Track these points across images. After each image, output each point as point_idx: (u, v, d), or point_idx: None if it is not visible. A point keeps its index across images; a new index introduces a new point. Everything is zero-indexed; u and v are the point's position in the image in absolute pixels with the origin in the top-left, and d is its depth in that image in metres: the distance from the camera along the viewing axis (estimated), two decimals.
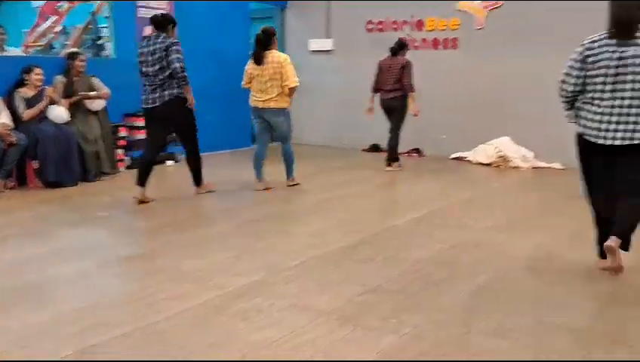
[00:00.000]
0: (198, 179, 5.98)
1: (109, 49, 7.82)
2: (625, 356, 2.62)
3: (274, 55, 5.89)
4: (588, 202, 3.87)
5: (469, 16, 8.31)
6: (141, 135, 7.46)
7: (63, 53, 7.27)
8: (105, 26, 7.93)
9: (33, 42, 8.21)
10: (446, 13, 8.45)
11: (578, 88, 3.68)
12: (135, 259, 3.95)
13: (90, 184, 6.39)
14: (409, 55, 7.69)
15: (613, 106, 3.53)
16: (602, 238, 3.68)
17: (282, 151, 6.21)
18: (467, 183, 6.84)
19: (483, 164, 7.84)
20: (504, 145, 7.81)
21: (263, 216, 5.09)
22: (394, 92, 7.25)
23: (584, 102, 3.71)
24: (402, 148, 8.74)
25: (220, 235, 4.50)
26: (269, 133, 6.19)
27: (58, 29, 8.23)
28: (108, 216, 5.08)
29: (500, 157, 7.76)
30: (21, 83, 6.27)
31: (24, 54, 7.61)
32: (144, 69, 5.43)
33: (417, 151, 8.77)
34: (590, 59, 3.58)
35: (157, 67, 5.35)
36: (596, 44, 3.58)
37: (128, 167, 7.28)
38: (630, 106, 3.49)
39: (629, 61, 3.45)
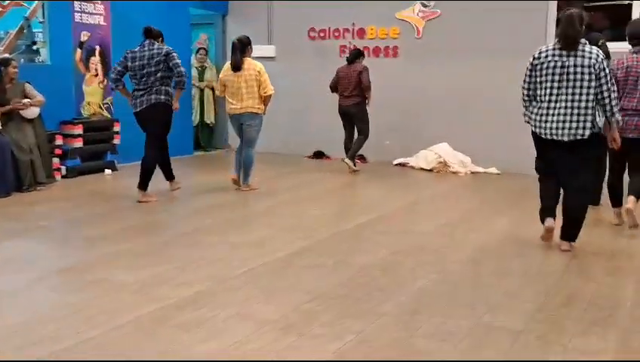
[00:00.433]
0: (169, 175, 6.29)
1: (44, 54, 7.58)
2: (559, 356, 2.72)
3: (250, 63, 6.22)
4: (540, 181, 4.54)
5: (408, 25, 8.48)
6: (78, 143, 7.27)
7: None
8: (39, 30, 7.68)
9: None
10: (386, 22, 8.59)
11: (531, 92, 4.28)
12: (73, 270, 3.82)
13: (25, 194, 6.15)
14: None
15: (557, 108, 4.12)
16: (543, 210, 4.42)
17: (244, 155, 6.41)
18: (410, 188, 6.97)
19: (424, 170, 8.00)
20: (443, 151, 7.99)
21: (209, 224, 5.03)
22: (352, 98, 7.59)
23: (535, 105, 4.28)
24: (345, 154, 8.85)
25: (163, 245, 4.41)
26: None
27: None
28: (46, 226, 4.91)
29: (440, 162, 7.94)
30: None
31: None
32: (138, 73, 5.83)
33: (361, 157, 8.85)
34: (538, 67, 4.18)
35: (153, 71, 5.78)
36: (543, 55, 4.17)
37: (64, 177, 7.06)
38: (572, 108, 4.07)
39: (571, 69, 4.05)
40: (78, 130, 7.31)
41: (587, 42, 4.15)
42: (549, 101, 4.15)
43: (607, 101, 4.06)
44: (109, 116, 7.93)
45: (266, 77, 6.21)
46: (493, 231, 4.93)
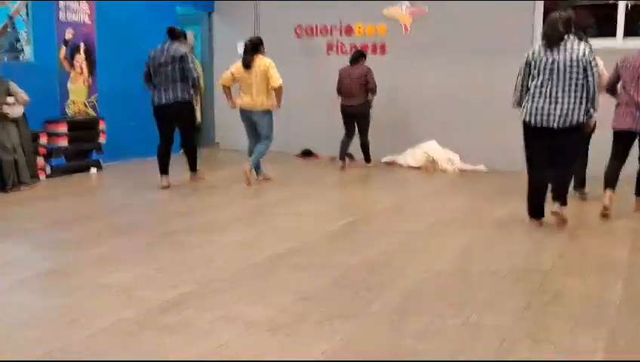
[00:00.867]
0: (193, 167, 6.82)
1: (28, 53, 7.47)
2: (548, 354, 2.70)
3: (260, 59, 6.52)
4: (528, 170, 4.96)
5: (396, 22, 8.45)
6: (63, 142, 7.17)
7: None
8: (24, 29, 7.57)
9: None
10: (374, 20, 8.56)
11: (525, 85, 4.80)
12: (55, 273, 3.75)
13: (9, 194, 6.07)
14: (340, 60, 7.81)
15: (548, 98, 4.64)
16: (531, 209, 4.98)
17: (258, 146, 6.72)
18: (398, 187, 6.95)
19: (413, 167, 7.99)
20: (432, 149, 7.98)
21: (194, 225, 4.97)
22: (357, 98, 7.70)
23: (528, 97, 4.77)
24: (335, 153, 8.81)
25: (146, 246, 4.34)
26: (256, 131, 6.75)
27: None
28: (30, 227, 4.83)
29: (428, 160, 7.92)
30: None
31: None
32: (159, 70, 6.28)
33: (350, 155, 8.82)
34: (532, 64, 4.73)
35: (172, 68, 6.25)
36: (536, 52, 4.72)
37: (49, 176, 6.98)
38: (561, 97, 4.60)
39: (561, 64, 4.58)
40: (63, 128, 7.23)
41: (576, 39, 4.62)
42: (541, 93, 4.67)
43: (590, 91, 4.57)
44: (94, 114, 7.85)
45: (273, 71, 6.43)
46: (481, 228, 4.92)
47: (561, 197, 4.86)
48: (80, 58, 7.69)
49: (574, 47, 4.56)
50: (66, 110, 7.59)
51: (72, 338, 2.79)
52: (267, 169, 7.08)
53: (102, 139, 7.67)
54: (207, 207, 5.65)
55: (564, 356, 2.68)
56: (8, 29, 7.64)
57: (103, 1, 7.88)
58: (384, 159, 8.40)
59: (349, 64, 7.87)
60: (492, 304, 3.28)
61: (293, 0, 8.92)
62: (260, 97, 6.53)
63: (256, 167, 6.83)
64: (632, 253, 4.23)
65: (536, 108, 4.68)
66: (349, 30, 8.78)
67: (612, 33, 7.35)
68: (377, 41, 8.58)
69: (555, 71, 4.60)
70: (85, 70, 7.78)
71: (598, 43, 7.24)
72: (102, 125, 7.69)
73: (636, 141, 5.37)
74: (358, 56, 7.86)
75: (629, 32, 7.21)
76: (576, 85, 4.57)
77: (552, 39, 4.62)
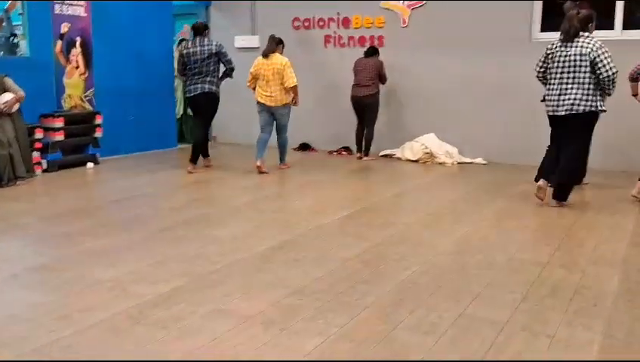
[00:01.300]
0: (206, 153, 7.40)
1: (24, 47, 7.43)
2: (544, 347, 2.68)
3: (278, 57, 6.94)
4: (547, 148, 5.58)
5: (393, 14, 8.39)
6: (59, 136, 7.14)
7: None
8: (19, 23, 7.53)
9: None
10: (372, 11, 8.51)
11: (541, 76, 5.45)
12: (49, 268, 3.72)
13: (5, 189, 6.04)
14: (338, 53, 7.76)
15: (558, 88, 5.18)
16: (540, 171, 5.58)
17: (280, 139, 7.20)
18: (395, 180, 6.91)
19: (411, 161, 7.95)
20: (430, 142, 7.94)
21: (189, 219, 4.94)
22: (368, 88, 7.89)
23: (547, 88, 5.36)
24: (333, 146, 8.79)
25: (141, 241, 4.31)
26: (271, 124, 7.13)
27: None
28: (25, 222, 4.81)
29: (427, 153, 7.88)
30: None
31: None
32: (194, 65, 6.88)
33: (347, 149, 8.79)
34: (550, 56, 5.28)
35: (206, 63, 6.88)
36: (554, 46, 5.26)
37: (45, 171, 6.94)
38: (568, 88, 5.11)
39: (572, 57, 5.08)
40: (59, 123, 7.18)
41: (590, 35, 5.09)
42: (553, 83, 5.22)
43: (604, 83, 5.04)
44: (90, 109, 7.81)
45: (289, 70, 6.85)
46: (478, 221, 4.88)
47: (560, 191, 5.26)
48: (76, 52, 7.64)
49: (585, 42, 5.03)
50: (63, 104, 7.54)
51: (62, 333, 2.76)
52: (267, 161, 7.05)
53: (98, 134, 7.63)
54: (204, 201, 5.62)
55: (560, 349, 2.65)
56: (4, 24, 7.61)
57: None
58: (382, 153, 8.37)
59: (363, 56, 8.03)
60: (488, 296, 3.25)
61: None
62: (276, 93, 6.91)
63: (284, 155, 7.40)
64: (629, 247, 4.19)
65: (551, 98, 5.25)
66: (346, 22, 8.73)
67: (611, 25, 7.29)
68: (375, 33, 8.53)
69: (567, 64, 5.10)
70: (82, 64, 7.73)
71: (596, 35, 7.23)
72: (98, 119, 7.64)
73: None
74: (373, 52, 8.06)
75: (627, 24, 7.15)
76: (584, 77, 5.03)
77: (568, 34, 5.11)
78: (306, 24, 9.02)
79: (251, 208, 5.39)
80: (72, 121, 7.38)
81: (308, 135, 8.94)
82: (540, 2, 7.60)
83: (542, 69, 5.39)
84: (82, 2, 7.62)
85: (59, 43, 7.46)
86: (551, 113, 5.27)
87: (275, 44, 7.02)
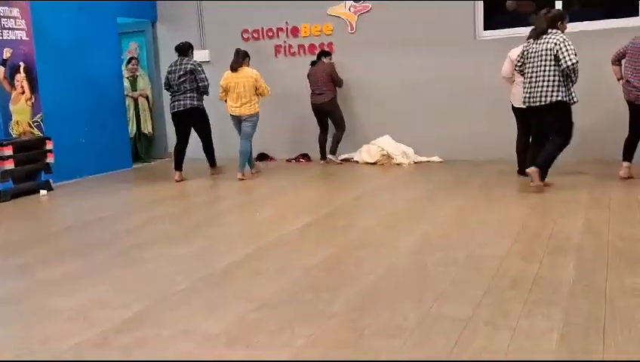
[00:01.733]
0: (212, 163, 7.92)
1: None
2: (506, 340, 2.73)
3: (247, 70, 7.33)
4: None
5: (341, 20, 8.47)
6: (9, 165, 6.94)
7: None
8: None
9: None
10: (319, 19, 8.56)
11: (519, 70, 5.88)
12: (5, 301, 3.60)
13: None
14: (289, 62, 7.80)
15: (530, 82, 5.62)
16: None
17: (243, 147, 7.43)
18: (354, 183, 6.96)
19: (369, 163, 8.02)
20: (386, 144, 8.02)
21: (148, 239, 4.85)
22: (324, 95, 8.03)
23: (523, 82, 5.84)
24: (291, 154, 8.79)
25: (98, 266, 4.20)
26: None
27: None
28: None
29: (384, 155, 7.97)
30: None
31: None
32: (173, 83, 7.43)
33: (306, 156, 8.81)
34: (525, 53, 5.72)
35: (183, 81, 7.35)
36: (528, 44, 5.71)
37: None
38: (538, 81, 5.53)
39: (541, 53, 5.52)
40: (8, 151, 6.98)
41: (557, 32, 5.47)
42: (527, 77, 5.68)
43: (567, 72, 5.41)
44: (40, 134, 7.62)
45: (261, 81, 7.32)
46: (436, 219, 4.96)
47: (539, 166, 5.66)
48: (20, 77, 7.45)
49: (550, 39, 5.44)
50: (10, 132, 7.34)
51: None
52: (220, 177, 7.01)
53: (50, 159, 7.45)
54: (162, 220, 5.54)
55: (522, 340, 2.71)
56: None
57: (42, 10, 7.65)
58: (340, 157, 8.41)
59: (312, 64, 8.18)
60: (451, 294, 3.30)
61: (238, 1, 8.86)
62: (247, 105, 7.28)
63: (250, 163, 7.67)
64: (582, 234, 4.32)
65: (525, 91, 5.69)
66: (295, 31, 8.76)
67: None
68: (324, 40, 8.59)
69: (537, 59, 5.53)
70: (27, 89, 7.54)
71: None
72: (49, 145, 7.46)
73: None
74: (319, 56, 8.17)
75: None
76: (550, 70, 5.44)
77: (537, 32, 5.59)
78: (255, 35, 9.02)
79: (211, 223, 5.35)
80: (22, 148, 7.18)
81: (265, 145, 8.92)
82: (481, 2, 7.78)
83: (519, 64, 5.80)
84: (24, 26, 7.45)
85: (1, 69, 7.26)
86: (526, 104, 5.72)
87: (241, 58, 7.35)
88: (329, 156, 8.24)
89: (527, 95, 5.66)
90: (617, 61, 6.11)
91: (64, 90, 7.99)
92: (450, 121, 7.95)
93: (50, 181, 7.44)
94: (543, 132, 5.75)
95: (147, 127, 9.68)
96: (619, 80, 6.16)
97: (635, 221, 4.58)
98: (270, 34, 8.92)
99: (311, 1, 8.45)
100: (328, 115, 8.15)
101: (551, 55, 5.44)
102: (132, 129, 9.50)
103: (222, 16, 9.13)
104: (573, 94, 5.55)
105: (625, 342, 2.66)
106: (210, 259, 4.21)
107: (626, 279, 3.37)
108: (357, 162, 8.18)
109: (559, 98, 5.47)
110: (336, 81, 8.06)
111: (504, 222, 4.77)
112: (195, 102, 7.44)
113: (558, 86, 5.46)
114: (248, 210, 5.91)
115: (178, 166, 7.58)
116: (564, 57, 5.37)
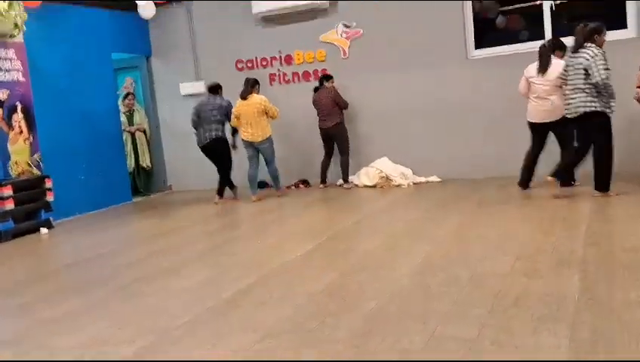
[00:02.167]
0: (232, 187, 8.28)
1: None
2: (513, 358, 2.70)
3: (256, 97, 7.75)
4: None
5: (334, 47, 8.55)
6: (9, 205, 6.94)
7: None
8: None
9: None
10: (312, 46, 8.65)
11: (564, 82, 6.00)
12: (5, 343, 3.56)
13: None
14: (284, 89, 7.88)
15: (568, 93, 5.85)
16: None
17: (270, 171, 7.96)
18: (354, 207, 6.95)
19: (368, 186, 8.02)
20: (384, 166, 8.05)
21: (149, 273, 4.83)
22: (331, 119, 8.07)
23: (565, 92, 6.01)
24: (290, 181, 8.80)
25: (99, 303, 4.17)
26: (256, 157, 7.90)
27: None
28: None
29: (382, 177, 7.98)
30: None
31: None
32: (205, 117, 7.91)
33: (305, 182, 8.83)
34: (566, 67, 5.93)
35: (215, 117, 7.91)
36: (569, 57, 5.94)
37: None
38: (575, 93, 5.76)
39: (576, 66, 5.76)
40: (8, 191, 6.99)
41: (592, 46, 5.67)
42: (568, 89, 5.87)
43: (597, 87, 5.61)
44: (39, 173, 7.64)
45: (270, 105, 7.74)
46: (437, 238, 4.94)
47: (596, 187, 5.89)
48: (18, 117, 7.50)
49: (584, 53, 5.67)
50: (9, 172, 7.36)
51: None
52: (217, 207, 7.00)
53: (49, 197, 7.46)
54: (163, 253, 5.52)
55: (529, 358, 2.68)
56: None
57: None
58: (339, 182, 8.42)
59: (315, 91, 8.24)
60: (455, 314, 3.28)
61: (230, 32, 8.96)
62: (259, 130, 7.69)
63: (277, 183, 8.10)
64: (585, 247, 4.30)
65: (566, 103, 5.90)
66: (288, 59, 8.85)
67: (541, 34, 7.59)
68: (318, 67, 8.66)
69: (573, 71, 5.77)
70: (25, 129, 7.59)
71: (530, 45, 7.53)
72: (48, 183, 7.48)
73: None
74: (321, 81, 8.23)
75: (557, 32, 7.45)
76: (583, 83, 5.68)
77: (574, 46, 5.81)
78: (249, 65, 9.10)
79: (213, 253, 5.33)
80: (21, 187, 7.20)
81: (264, 172, 8.92)
82: (472, 23, 7.87)
83: (564, 77, 5.97)
84: (20, 67, 7.52)
85: None
86: (565, 115, 5.93)
87: (250, 87, 7.79)
88: (344, 185, 8.22)
89: (566, 106, 5.89)
90: None
91: (61, 127, 8.05)
92: (446, 140, 7.98)
93: (51, 219, 7.44)
94: (586, 142, 5.90)
95: (145, 161, 9.71)
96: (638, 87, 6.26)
97: (637, 232, 4.57)
98: (264, 63, 9.01)
99: (303, 24, 8.56)
100: (334, 138, 8.18)
101: (583, 68, 5.68)
102: (130, 163, 9.53)
103: (215, 47, 9.22)
104: (612, 104, 5.69)
105: (633, 355, 2.63)
106: (213, 290, 4.18)
107: (632, 292, 3.34)
108: (356, 185, 8.19)
109: (593, 109, 5.66)
110: (341, 105, 8.10)
111: (505, 238, 4.75)
112: (220, 133, 7.93)
113: (593, 97, 5.65)
114: (250, 238, 5.90)
115: (222, 191, 8.13)
116: (594, 72, 5.58)
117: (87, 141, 8.38)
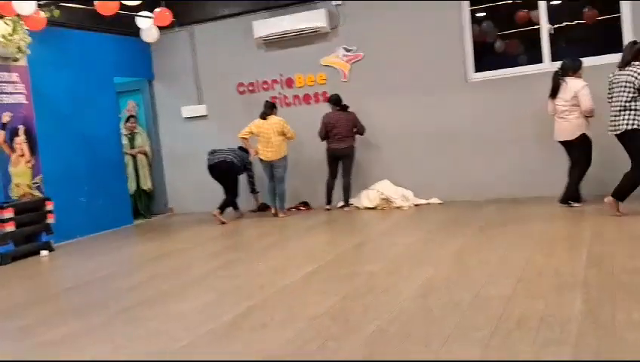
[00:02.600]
0: (235, 207, 8.59)
1: None
2: None
3: (274, 118, 8.17)
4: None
5: (334, 70, 8.62)
6: (10, 227, 6.93)
7: None
8: None
9: None
10: (313, 69, 8.72)
11: (609, 101, 6.03)
12: None
13: None
14: (284, 112, 7.99)
15: (612, 112, 5.89)
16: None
17: (278, 189, 8.29)
18: (355, 229, 6.95)
19: (369, 208, 8.02)
20: (385, 188, 8.06)
21: (148, 297, 4.80)
22: (348, 140, 8.15)
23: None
24: (291, 203, 8.79)
25: (99, 326, 4.14)
26: (273, 175, 8.28)
27: None
28: None
29: (383, 199, 7.98)
30: None
31: None
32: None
33: (306, 204, 8.83)
34: (610, 82, 6.03)
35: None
36: (613, 75, 6.00)
37: None
38: (617, 110, 5.83)
39: (621, 83, 5.85)
40: (9, 213, 6.99)
41: (638, 64, 5.76)
42: (611, 106, 5.94)
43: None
44: (40, 195, 7.65)
45: (288, 127, 8.14)
46: (439, 261, 4.93)
47: (613, 195, 5.91)
48: (20, 140, 7.53)
49: (631, 71, 5.78)
50: (10, 194, 7.37)
51: None
52: (220, 229, 6.99)
53: (50, 220, 7.46)
54: (163, 276, 5.50)
55: None
56: None
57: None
58: (340, 203, 8.42)
59: (332, 110, 8.20)
60: (458, 336, 3.25)
61: (232, 55, 9.03)
62: (278, 149, 8.12)
63: (282, 203, 8.37)
64: (586, 269, 4.29)
65: (610, 119, 5.96)
66: (289, 82, 8.91)
67: (539, 58, 7.66)
68: (319, 90, 8.72)
69: (617, 88, 5.86)
70: (27, 152, 7.61)
71: (528, 68, 7.60)
72: (49, 206, 7.48)
73: None
74: (338, 102, 8.21)
75: (555, 56, 7.51)
76: (627, 100, 5.75)
77: (621, 62, 5.93)
78: (251, 88, 9.17)
79: (214, 276, 5.31)
80: (22, 210, 7.20)
81: (265, 195, 8.93)
82: (470, 44, 7.94)
83: (609, 94, 6.03)
84: (23, 90, 7.57)
85: (1, 133, 7.35)
86: (608, 132, 5.99)
87: (270, 109, 8.19)
88: (345, 208, 8.24)
89: (609, 123, 5.95)
90: None
91: (63, 150, 8.08)
92: (447, 162, 8.00)
93: (51, 241, 7.43)
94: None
95: (147, 184, 9.73)
96: None
97: (639, 253, 4.55)
98: (265, 86, 9.07)
99: (304, 47, 8.64)
100: (343, 159, 8.21)
101: (629, 87, 5.76)
102: (132, 186, 9.54)
103: (217, 71, 9.30)
104: None
105: None
106: (214, 313, 4.16)
107: (635, 313, 3.32)
108: (357, 208, 8.19)
109: (634, 126, 5.74)
110: (360, 130, 8.16)
111: (507, 260, 4.74)
112: (235, 160, 8.38)
113: (634, 115, 5.75)
114: (251, 261, 5.88)
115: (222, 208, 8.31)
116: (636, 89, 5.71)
117: (88, 163, 8.41)
